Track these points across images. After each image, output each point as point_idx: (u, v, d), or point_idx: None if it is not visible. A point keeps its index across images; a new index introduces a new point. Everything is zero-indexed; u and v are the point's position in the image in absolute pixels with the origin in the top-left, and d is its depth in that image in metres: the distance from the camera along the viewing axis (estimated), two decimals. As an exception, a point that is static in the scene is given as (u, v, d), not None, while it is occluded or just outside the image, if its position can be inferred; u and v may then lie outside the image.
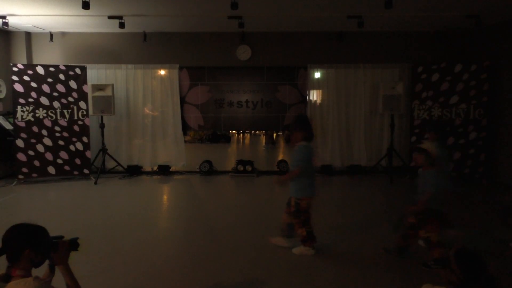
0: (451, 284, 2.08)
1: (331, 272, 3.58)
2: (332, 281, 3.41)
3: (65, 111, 7.40)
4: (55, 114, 7.34)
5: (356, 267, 3.67)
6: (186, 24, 7.49)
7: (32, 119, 7.18)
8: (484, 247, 3.90)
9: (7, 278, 1.84)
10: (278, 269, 3.63)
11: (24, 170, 7.18)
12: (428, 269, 3.56)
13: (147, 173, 8.25)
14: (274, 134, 14.85)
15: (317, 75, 8.23)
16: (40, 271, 2.03)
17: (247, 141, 17.44)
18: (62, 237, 2.09)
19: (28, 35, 8.02)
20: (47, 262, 2.04)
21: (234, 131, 17.41)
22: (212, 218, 5.11)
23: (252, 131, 18.27)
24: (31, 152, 7.19)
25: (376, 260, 3.81)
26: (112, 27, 7.29)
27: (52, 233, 2.08)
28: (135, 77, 8.06)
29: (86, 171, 7.59)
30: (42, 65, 7.29)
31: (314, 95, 8.32)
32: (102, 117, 7.65)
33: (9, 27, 7.12)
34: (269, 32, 8.06)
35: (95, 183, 7.21)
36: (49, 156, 7.32)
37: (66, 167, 7.46)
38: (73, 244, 2.10)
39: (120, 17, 6.59)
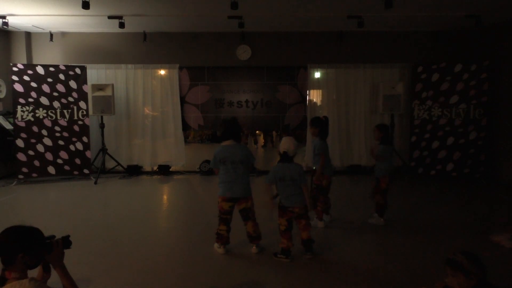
0: None
1: (331, 275, 3.58)
2: (332, 284, 3.41)
3: (65, 111, 7.40)
4: (55, 114, 7.34)
5: (356, 271, 3.68)
6: (186, 24, 7.49)
7: (32, 119, 7.18)
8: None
9: (2, 280, 1.82)
10: (277, 269, 3.63)
11: (24, 170, 7.18)
12: (276, 258, 3.80)
13: (147, 173, 8.25)
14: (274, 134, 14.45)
15: (317, 75, 8.23)
16: (34, 271, 2.01)
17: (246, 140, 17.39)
18: (54, 236, 2.04)
19: (28, 35, 8.03)
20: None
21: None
22: (212, 217, 5.09)
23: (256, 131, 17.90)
24: (31, 152, 7.19)
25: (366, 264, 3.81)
26: (112, 27, 7.29)
27: (52, 233, 2.08)
28: (135, 77, 8.06)
29: (86, 171, 7.58)
30: (42, 65, 7.29)
31: (314, 95, 8.32)
32: (102, 117, 7.65)
33: (9, 27, 7.12)
34: (269, 32, 8.06)
35: (95, 183, 7.21)
36: (49, 156, 7.32)
37: (66, 167, 7.46)
38: (66, 242, 2.07)
39: (120, 17, 6.59)
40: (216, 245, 4.05)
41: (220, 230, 3.97)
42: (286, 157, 3.76)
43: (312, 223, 4.66)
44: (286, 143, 3.77)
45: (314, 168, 4.80)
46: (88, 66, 7.70)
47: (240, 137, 4.05)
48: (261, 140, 13.42)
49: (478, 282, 2.05)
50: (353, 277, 3.47)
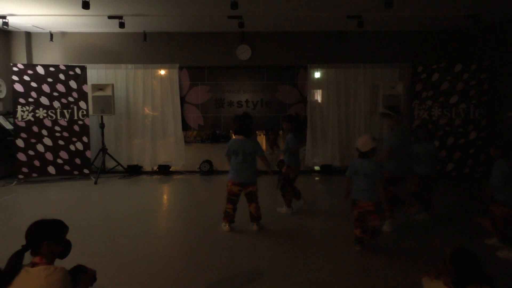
0: (447, 283, 2.10)
1: (328, 264, 3.58)
2: (331, 274, 3.41)
3: (65, 111, 7.40)
4: (55, 114, 7.34)
5: (360, 262, 3.69)
6: (186, 24, 7.49)
7: (32, 119, 7.19)
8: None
9: (32, 265, 2.10)
10: (277, 264, 3.64)
11: (24, 170, 7.18)
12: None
13: (147, 173, 8.25)
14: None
15: (317, 75, 8.23)
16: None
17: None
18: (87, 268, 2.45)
19: (28, 35, 8.03)
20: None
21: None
22: (212, 217, 5.11)
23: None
24: (31, 152, 7.20)
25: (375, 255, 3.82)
26: (112, 27, 7.29)
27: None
28: (135, 77, 8.05)
29: (86, 171, 7.59)
30: (42, 65, 7.29)
31: (314, 95, 8.32)
32: (102, 117, 7.65)
33: (9, 27, 7.12)
34: (269, 32, 8.06)
35: (95, 183, 7.21)
36: (49, 156, 7.32)
37: (66, 167, 7.46)
38: (94, 277, 2.48)
39: (120, 17, 6.59)
40: (223, 223, 4.62)
41: (227, 208, 4.58)
42: (360, 153, 4.00)
43: (280, 209, 5.35)
44: (358, 140, 4.05)
45: (283, 160, 5.36)
46: (88, 66, 7.70)
47: (250, 132, 4.53)
48: (260, 140, 13.21)
49: (452, 280, 2.09)
50: (354, 272, 3.48)
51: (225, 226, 4.60)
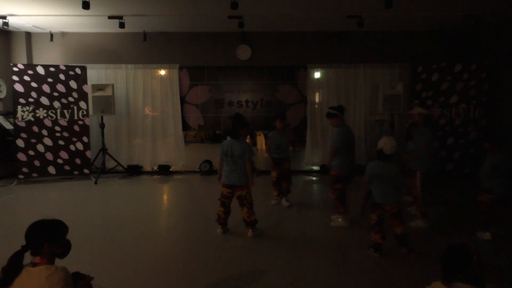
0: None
1: (329, 265, 3.59)
2: (332, 276, 3.41)
3: (65, 111, 7.40)
4: (55, 114, 7.34)
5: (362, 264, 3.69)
6: (186, 24, 7.49)
7: (32, 119, 7.19)
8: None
9: (33, 265, 2.11)
10: (277, 265, 3.64)
11: (24, 170, 7.19)
12: (368, 250, 3.97)
13: (147, 173, 8.25)
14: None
15: (317, 75, 8.23)
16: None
17: (247, 141, 17.37)
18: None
19: (28, 35, 8.03)
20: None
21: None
22: (212, 217, 5.10)
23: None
24: (31, 152, 7.20)
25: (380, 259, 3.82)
26: (112, 27, 7.29)
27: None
28: (135, 77, 8.06)
29: (86, 171, 7.59)
30: (42, 65, 7.30)
31: (314, 95, 8.32)
32: (102, 117, 7.65)
33: (9, 27, 7.13)
34: (269, 32, 8.06)
35: (95, 183, 7.22)
36: (49, 156, 7.33)
37: (66, 167, 7.46)
38: (90, 286, 2.50)
39: (120, 17, 6.59)
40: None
41: (219, 211, 4.60)
42: (382, 155, 3.89)
43: (274, 201, 5.76)
44: (383, 141, 3.93)
45: (284, 157, 5.74)
46: (88, 66, 7.70)
47: (236, 134, 4.48)
48: (260, 141, 13.20)
49: (444, 275, 2.12)
50: (357, 273, 3.48)
51: (217, 228, 4.60)
